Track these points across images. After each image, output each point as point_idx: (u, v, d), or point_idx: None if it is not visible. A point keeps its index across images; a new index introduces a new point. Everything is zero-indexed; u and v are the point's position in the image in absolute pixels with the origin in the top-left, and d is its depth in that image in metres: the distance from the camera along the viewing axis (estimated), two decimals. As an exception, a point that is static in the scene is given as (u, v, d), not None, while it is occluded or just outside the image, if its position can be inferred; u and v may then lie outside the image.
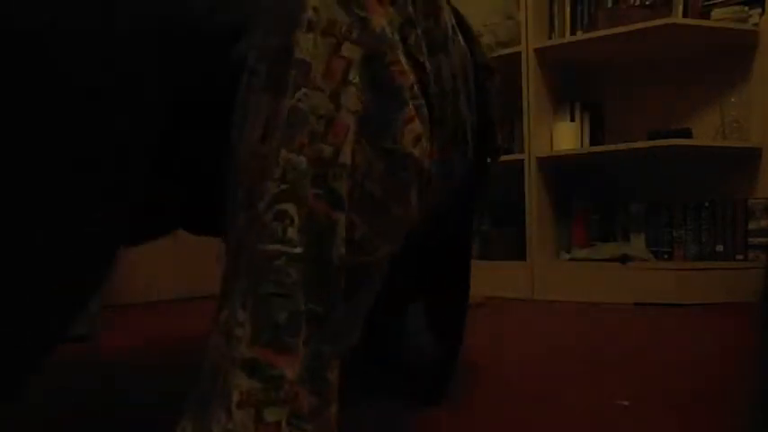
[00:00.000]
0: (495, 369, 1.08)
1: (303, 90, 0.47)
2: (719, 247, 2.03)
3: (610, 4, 2.20)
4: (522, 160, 2.17)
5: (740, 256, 1.99)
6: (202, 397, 0.47)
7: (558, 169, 2.26)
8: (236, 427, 0.44)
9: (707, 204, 2.06)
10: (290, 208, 0.46)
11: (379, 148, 0.50)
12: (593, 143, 2.23)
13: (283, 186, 0.46)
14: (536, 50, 2.16)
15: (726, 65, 2.07)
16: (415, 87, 0.53)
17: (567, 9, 2.26)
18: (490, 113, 0.82)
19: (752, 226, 1.97)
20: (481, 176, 0.87)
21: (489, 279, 2.21)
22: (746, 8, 1.97)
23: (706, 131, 2.11)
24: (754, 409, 0.82)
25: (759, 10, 1.97)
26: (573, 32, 2.24)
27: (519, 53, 2.18)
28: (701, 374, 1.02)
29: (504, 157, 2.27)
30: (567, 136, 2.19)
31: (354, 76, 0.49)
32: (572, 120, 2.24)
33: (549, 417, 0.80)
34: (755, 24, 1.96)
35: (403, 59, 0.52)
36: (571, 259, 2.15)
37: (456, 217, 0.87)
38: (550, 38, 2.27)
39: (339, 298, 0.49)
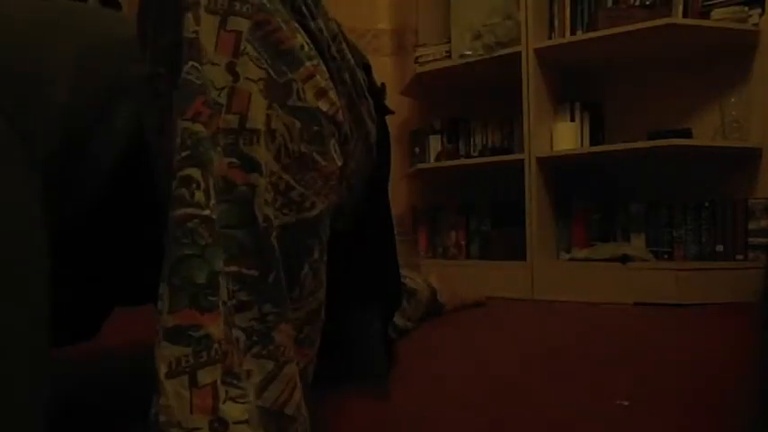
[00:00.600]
0: (495, 369, 1.08)
1: (191, 63, 0.49)
2: (719, 247, 2.03)
3: (610, 4, 2.20)
4: (522, 160, 2.17)
5: (740, 256, 1.99)
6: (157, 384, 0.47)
7: (558, 169, 2.26)
8: (169, 399, 0.43)
9: (707, 204, 2.06)
10: (194, 172, 0.47)
11: (287, 107, 0.53)
12: (593, 143, 2.23)
13: (184, 153, 0.48)
14: (536, 50, 2.16)
15: (726, 65, 2.07)
16: (307, 48, 0.56)
17: (567, 9, 2.26)
18: (371, 76, 0.86)
19: (752, 226, 1.97)
20: (384, 137, 0.90)
21: (489, 279, 2.21)
22: (746, 8, 1.97)
23: (706, 131, 2.11)
24: (754, 409, 0.82)
25: (759, 10, 1.96)
26: (573, 32, 2.24)
27: (519, 53, 2.18)
28: (701, 374, 1.01)
29: (504, 157, 2.27)
30: (567, 136, 2.19)
31: (246, 47, 0.51)
32: (572, 120, 2.24)
33: (549, 417, 0.80)
34: (755, 24, 1.96)
35: (284, 25, 0.54)
36: (571, 259, 2.15)
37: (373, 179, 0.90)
38: (550, 38, 2.27)
39: (274, 259, 0.50)
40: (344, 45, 0.70)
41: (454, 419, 0.79)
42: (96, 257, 0.74)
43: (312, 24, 0.60)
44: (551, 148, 2.22)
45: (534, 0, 2.19)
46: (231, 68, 0.50)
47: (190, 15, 0.50)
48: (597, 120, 2.28)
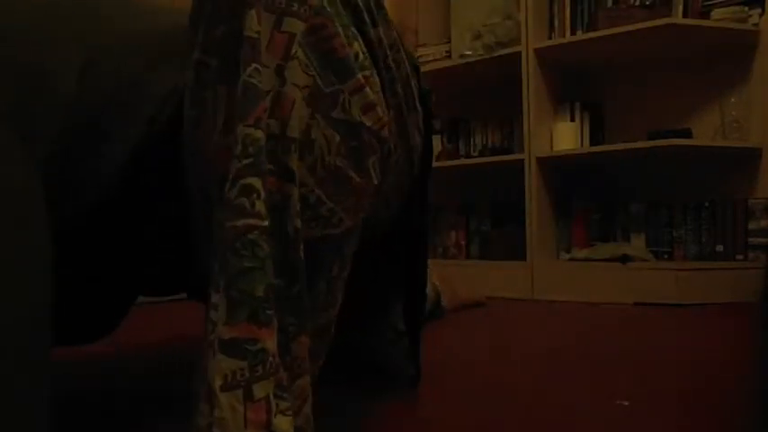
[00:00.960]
0: (495, 369, 1.08)
1: (254, 66, 0.47)
2: (719, 247, 2.03)
3: (610, 4, 2.20)
4: (522, 160, 2.17)
5: (740, 256, 1.99)
6: (196, 393, 0.47)
7: (558, 169, 2.26)
8: (224, 412, 0.43)
9: (707, 204, 2.06)
10: (255, 182, 0.46)
11: (331, 119, 0.51)
12: (593, 143, 2.23)
13: (246, 161, 0.46)
14: (536, 50, 2.16)
15: (726, 65, 2.07)
16: (362, 57, 0.53)
17: (567, 9, 2.26)
18: (419, 77, 0.83)
19: (752, 226, 1.97)
20: (428, 147, 0.87)
21: (489, 279, 2.21)
22: (746, 8, 1.97)
23: (706, 131, 2.11)
24: (754, 409, 0.82)
25: (759, 10, 1.96)
26: (573, 32, 2.24)
27: (519, 53, 2.18)
28: (701, 374, 1.01)
29: (504, 157, 2.27)
30: (567, 136, 2.19)
31: (297, 51, 0.49)
32: (572, 120, 2.24)
33: (549, 417, 0.80)
34: (755, 24, 1.96)
35: (342, 31, 0.52)
36: (571, 259, 2.15)
37: (416, 193, 0.87)
38: (550, 38, 2.27)
39: (299, 271, 0.49)
40: (402, 53, 0.67)
41: (454, 419, 0.79)
42: (96, 256, 0.74)
43: (372, 32, 0.58)
44: (551, 148, 2.22)
45: (534, 0, 2.19)
46: (280, 71, 0.48)
47: (253, 13, 0.48)
48: (597, 120, 2.28)
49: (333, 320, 0.56)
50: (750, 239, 1.97)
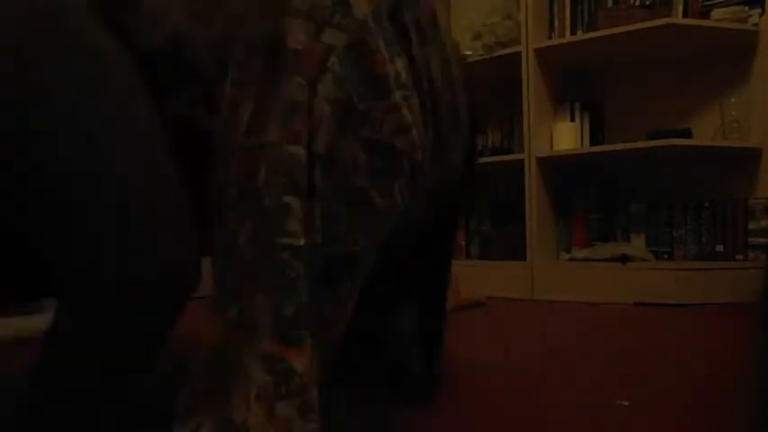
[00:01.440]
0: (495, 369, 1.08)
1: (297, 79, 0.46)
2: (719, 247, 2.03)
3: (610, 4, 2.20)
4: (522, 160, 2.17)
5: (740, 256, 1.99)
6: (213, 391, 0.47)
7: (558, 169, 2.26)
8: (256, 419, 0.44)
9: (707, 204, 2.06)
10: (293, 201, 0.46)
11: (360, 137, 0.49)
12: (593, 143, 2.23)
13: (282, 179, 0.46)
14: (536, 50, 2.16)
15: (726, 65, 2.07)
16: (403, 76, 0.51)
17: (567, 9, 2.26)
18: (473, 100, 0.80)
19: (752, 226, 1.97)
20: (471, 170, 0.84)
21: (489, 279, 2.21)
22: (746, 8, 1.97)
23: (706, 131, 2.11)
24: (754, 409, 0.82)
25: (759, 10, 1.96)
26: (573, 32, 2.24)
27: (519, 53, 2.18)
28: (701, 374, 1.01)
29: (504, 157, 2.27)
30: (567, 136, 2.19)
31: (334, 63, 0.47)
32: (572, 120, 2.24)
33: (549, 416, 0.80)
34: (755, 24, 1.96)
35: (384, 48, 0.50)
36: (571, 259, 2.15)
37: (446, 213, 0.86)
38: (550, 38, 2.27)
39: (312, 286, 0.48)
40: (454, 71, 0.64)
41: (454, 419, 0.79)
42: None
43: (418, 51, 0.56)
44: (551, 148, 2.21)
45: (534, 0, 2.19)
46: (312, 84, 0.47)
47: (297, 24, 0.46)
48: (597, 120, 2.28)
49: (337, 337, 0.55)
50: (750, 239, 1.97)
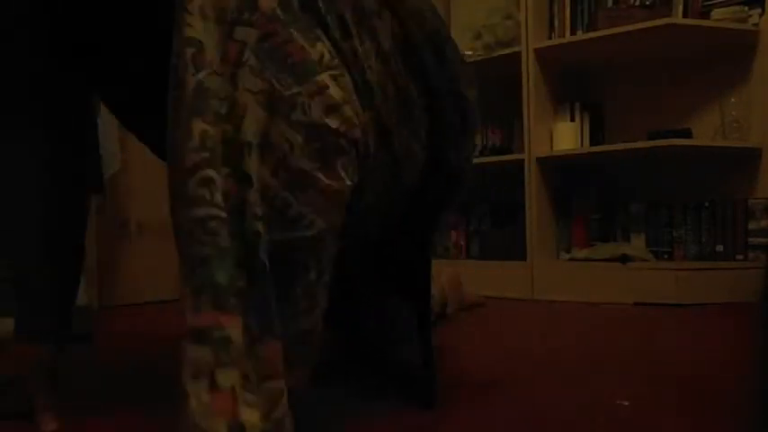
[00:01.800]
0: (495, 369, 1.08)
1: (206, 70, 0.49)
2: (719, 247, 2.03)
3: (610, 4, 2.20)
4: (522, 160, 2.17)
5: (740, 256, 1.99)
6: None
7: (557, 169, 2.26)
8: (191, 401, 0.44)
9: (707, 204, 2.06)
10: (213, 174, 0.48)
11: (291, 122, 0.51)
12: (593, 143, 2.23)
13: (204, 154, 0.48)
14: (536, 50, 2.16)
15: (726, 65, 2.07)
16: (327, 57, 0.54)
17: (567, 9, 2.26)
18: (458, 87, 0.82)
19: (752, 226, 1.97)
20: (451, 169, 0.82)
21: (489, 279, 2.21)
22: (746, 8, 1.97)
23: (706, 131, 2.11)
24: (754, 409, 0.81)
25: (759, 10, 1.96)
26: (573, 32, 2.24)
27: (519, 53, 2.18)
28: (701, 374, 1.01)
29: (504, 157, 2.27)
30: (567, 136, 2.19)
31: (249, 57, 0.50)
32: (572, 120, 2.24)
33: (549, 417, 0.80)
34: (755, 24, 1.96)
35: (301, 35, 0.53)
36: (571, 259, 2.15)
37: (420, 210, 0.85)
38: (550, 38, 2.27)
39: (259, 273, 0.49)
40: (395, 65, 0.65)
41: (453, 419, 0.79)
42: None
43: (337, 35, 0.57)
44: (551, 148, 2.22)
45: (534, 0, 2.19)
46: (233, 79, 0.50)
47: (192, 19, 0.49)
48: (597, 120, 2.28)
49: (317, 325, 0.56)
50: (750, 239, 1.97)
